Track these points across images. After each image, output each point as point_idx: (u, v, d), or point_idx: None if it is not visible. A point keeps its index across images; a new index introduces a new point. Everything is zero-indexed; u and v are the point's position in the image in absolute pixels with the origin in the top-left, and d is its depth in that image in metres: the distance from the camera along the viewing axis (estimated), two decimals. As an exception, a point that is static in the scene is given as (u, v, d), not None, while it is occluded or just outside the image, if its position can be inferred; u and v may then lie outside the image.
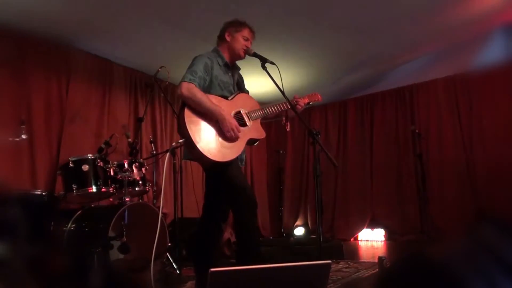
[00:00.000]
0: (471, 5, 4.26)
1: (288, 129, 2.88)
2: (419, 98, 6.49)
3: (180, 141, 2.46)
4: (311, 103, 2.97)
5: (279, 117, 2.88)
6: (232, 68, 2.83)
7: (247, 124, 2.65)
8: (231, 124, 2.51)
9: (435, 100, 6.31)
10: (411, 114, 6.52)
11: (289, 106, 2.74)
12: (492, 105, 5.56)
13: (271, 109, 2.77)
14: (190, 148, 2.44)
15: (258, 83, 4.92)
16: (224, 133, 2.51)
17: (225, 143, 2.52)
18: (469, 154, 5.85)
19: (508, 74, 5.10)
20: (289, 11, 4.25)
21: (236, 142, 2.56)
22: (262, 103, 2.90)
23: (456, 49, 5.07)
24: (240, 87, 2.91)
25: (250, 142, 2.67)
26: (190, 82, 2.49)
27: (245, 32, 2.77)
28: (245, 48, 2.76)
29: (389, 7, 4.23)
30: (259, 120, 2.75)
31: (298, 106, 2.78)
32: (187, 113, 2.46)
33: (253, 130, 2.68)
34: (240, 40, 2.75)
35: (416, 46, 5.21)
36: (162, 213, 4.57)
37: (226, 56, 2.77)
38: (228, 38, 2.76)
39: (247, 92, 2.92)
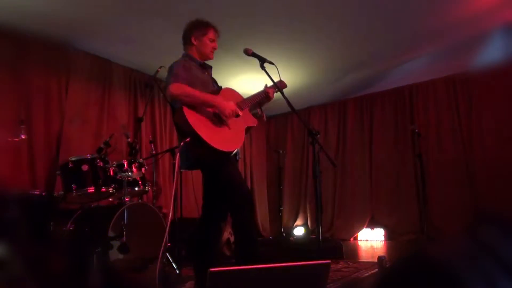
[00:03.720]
0: (471, 5, 4.26)
1: (265, 119, 2.95)
2: (418, 98, 6.49)
3: (187, 140, 2.46)
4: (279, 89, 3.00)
5: (253, 109, 2.94)
6: (206, 68, 2.88)
7: (239, 114, 2.71)
8: (229, 105, 2.59)
9: (435, 100, 6.31)
10: (411, 114, 6.53)
11: (285, 97, 2.77)
12: (492, 105, 5.56)
13: (256, 97, 2.86)
14: (198, 145, 2.44)
15: (256, 82, 4.92)
16: (224, 119, 2.57)
17: (228, 134, 2.58)
18: (468, 154, 5.85)
19: (508, 74, 5.10)
20: (288, 11, 4.25)
21: (236, 133, 2.63)
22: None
23: (456, 49, 5.08)
24: (217, 85, 2.95)
25: (246, 130, 2.76)
26: (175, 82, 2.53)
27: (211, 34, 2.82)
28: (212, 50, 2.83)
29: (389, 7, 4.23)
30: (248, 109, 2.83)
31: (270, 95, 2.89)
32: (187, 111, 2.47)
33: (246, 118, 2.77)
34: (207, 44, 2.81)
35: (415, 46, 5.21)
36: (162, 213, 4.58)
37: (197, 57, 2.81)
38: (195, 42, 2.80)
39: None
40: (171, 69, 2.65)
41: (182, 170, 2.75)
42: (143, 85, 5.49)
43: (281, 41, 4.86)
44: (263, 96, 2.88)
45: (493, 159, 5.34)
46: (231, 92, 2.84)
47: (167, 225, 3.78)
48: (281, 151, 7.38)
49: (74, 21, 4.27)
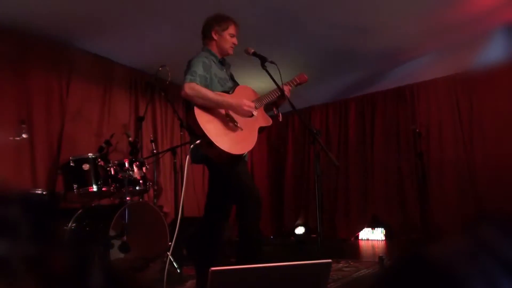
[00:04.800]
0: (472, 4, 4.25)
1: (280, 119, 2.90)
2: (420, 98, 6.49)
3: (197, 142, 2.45)
4: (299, 83, 2.97)
5: (269, 109, 2.89)
6: (224, 64, 2.84)
7: (254, 113, 2.66)
8: (242, 103, 2.55)
9: (436, 100, 6.31)
10: (412, 114, 6.51)
11: (280, 92, 2.74)
12: (493, 105, 5.56)
13: (270, 96, 2.80)
14: (208, 147, 2.43)
15: (257, 82, 4.92)
16: (239, 118, 2.55)
17: (239, 136, 2.54)
18: (469, 154, 5.85)
19: (509, 73, 5.10)
20: (289, 10, 4.24)
21: (248, 134, 2.59)
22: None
23: (457, 48, 5.07)
24: (234, 82, 2.92)
25: (259, 130, 2.70)
26: (191, 82, 2.49)
27: (231, 29, 2.78)
28: (233, 46, 2.78)
29: (390, 6, 4.23)
30: (262, 108, 2.78)
31: (286, 93, 2.80)
32: (198, 112, 2.45)
33: (260, 118, 2.72)
34: (227, 39, 2.76)
35: (417, 45, 5.20)
36: (163, 212, 4.58)
37: (216, 53, 2.78)
38: (215, 37, 2.76)
39: None
40: (189, 64, 2.60)
41: (193, 163, 2.73)
42: (144, 84, 5.49)
43: (281, 40, 4.86)
44: (279, 95, 2.79)
45: (494, 158, 5.34)
46: (246, 90, 2.79)
47: (166, 225, 3.78)
48: (282, 151, 7.38)
49: (75, 20, 4.27)
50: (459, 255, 0.46)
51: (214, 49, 2.77)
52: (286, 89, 2.81)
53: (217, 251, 2.80)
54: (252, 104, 2.61)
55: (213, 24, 2.78)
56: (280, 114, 2.88)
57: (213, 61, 2.70)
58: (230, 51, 2.79)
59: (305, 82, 3.02)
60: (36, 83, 4.44)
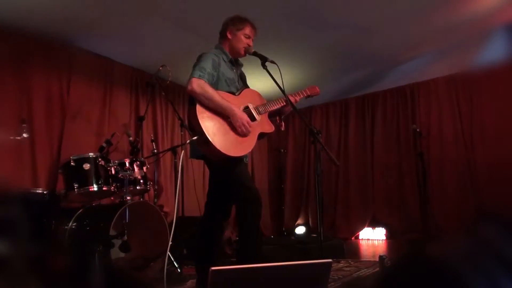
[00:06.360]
0: (472, 4, 4.25)
1: (283, 129, 2.89)
2: (420, 97, 6.49)
3: (194, 138, 2.45)
4: (310, 95, 2.97)
5: (273, 116, 2.87)
6: (236, 64, 2.83)
7: (256, 118, 2.66)
8: (242, 119, 2.51)
9: (436, 99, 6.31)
10: (412, 113, 6.52)
11: (289, 100, 2.73)
12: (493, 104, 5.56)
13: (277, 103, 2.78)
14: (204, 145, 2.43)
15: (258, 81, 4.92)
16: (235, 128, 2.52)
17: (238, 138, 2.53)
18: (470, 153, 5.85)
19: (509, 72, 5.09)
20: (290, 10, 4.24)
21: (248, 137, 2.57)
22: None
23: (457, 47, 5.07)
24: (244, 83, 2.91)
25: (260, 136, 2.69)
26: (200, 78, 2.48)
27: (247, 30, 2.77)
28: (246, 46, 2.76)
29: (390, 6, 4.23)
30: (266, 114, 2.76)
31: (295, 98, 2.81)
32: (199, 109, 2.45)
33: (262, 124, 2.70)
34: (242, 39, 2.75)
35: (417, 45, 5.20)
36: (163, 212, 4.58)
37: (228, 52, 2.78)
38: (229, 36, 2.76)
39: None
40: (199, 60, 2.59)
41: (190, 158, 2.74)
42: (145, 84, 5.48)
43: (282, 40, 4.86)
44: (284, 104, 2.77)
45: (494, 157, 5.34)
46: (253, 94, 2.78)
47: (166, 224, 3.77)
48: (282, 150, 7.39)
49: (75, 20, 4.27)
50: (459, 255, 0.46)
51: (227, 48, 2.77)
52: (293, 99, 2.77)
53: (217, 251, 2.81)
54: (248, 127, 2.54)
55: (228, 24, 2.79)
56: (283, 124, 2.88)
57: (223, 59, 2.70)
58: (242, 52, 2.77)
59: (316, 95, 3.01)
60: (37, 82, 4.44)
